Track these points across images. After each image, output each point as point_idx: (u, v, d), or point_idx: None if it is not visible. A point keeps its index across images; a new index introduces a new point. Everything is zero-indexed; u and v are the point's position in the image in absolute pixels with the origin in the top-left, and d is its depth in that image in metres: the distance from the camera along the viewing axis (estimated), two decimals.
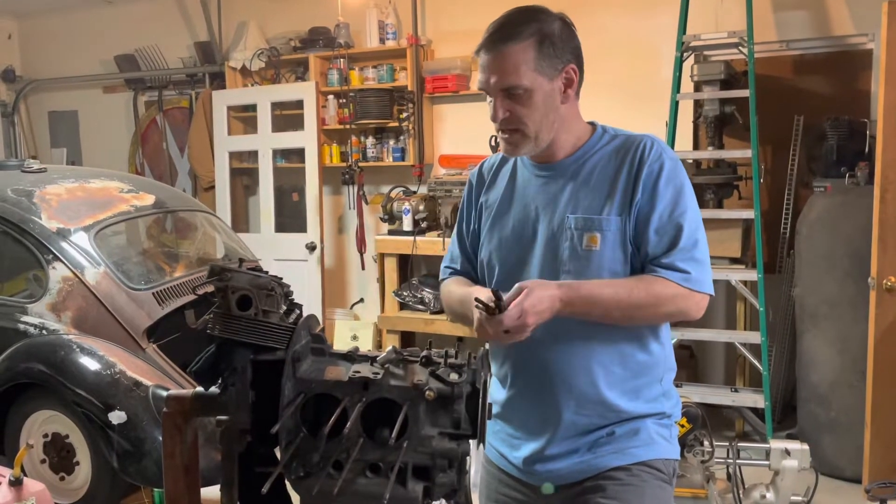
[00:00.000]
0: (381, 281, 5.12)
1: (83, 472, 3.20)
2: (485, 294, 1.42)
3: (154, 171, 6.51)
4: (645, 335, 1.58)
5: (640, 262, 1.54)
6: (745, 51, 3.97)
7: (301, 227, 5.48)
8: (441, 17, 5.25)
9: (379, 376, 1.24)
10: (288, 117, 5.55)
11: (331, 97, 5.45)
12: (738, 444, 3.14)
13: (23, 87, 6.94)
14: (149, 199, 3.79)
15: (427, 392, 1.22)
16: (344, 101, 5.39)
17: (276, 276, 1.38)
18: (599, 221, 1.53)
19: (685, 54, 4.15)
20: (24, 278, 3.54)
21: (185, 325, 3.51)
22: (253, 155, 5.75)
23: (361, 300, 5.75)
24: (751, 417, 4.20)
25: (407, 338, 5.08)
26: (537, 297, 1.41)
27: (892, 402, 3.46)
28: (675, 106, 4.10)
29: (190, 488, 1.36)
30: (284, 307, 1.36)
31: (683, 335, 4.05)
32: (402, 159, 5.31)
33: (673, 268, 1.50)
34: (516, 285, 1.44)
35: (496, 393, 1.67)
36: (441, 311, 4.79)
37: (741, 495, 3.06)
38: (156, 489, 3.14)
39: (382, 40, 5.30)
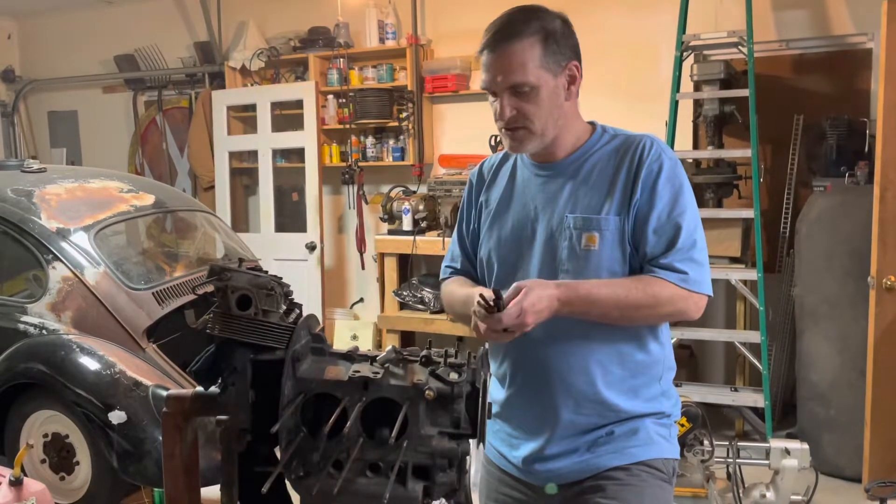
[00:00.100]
0: (381, 281, 5.12)
1: (83, 471, 3.20)
2: (488, 294, 1.42)
3: (154, 171, 6.51)
4: (644, 335, 1.58)
5: (639, 262, 1.54)
6: (744, 50, 3.97)
7: (301, 226, 5.48)
8: (441, 17, 5.25)
9: (379, 376, 1.25)
10: (288, 117, 5.55)
11: (330, 97, 5.45)
12: (738, 444, 3.14)
13: (22, 87, 6.94)
14: (148, 199, 3.79)
15: (427, 391, 1.22)
16: (344, 100, 5.39)
17: (275, 276, 1.38)
18: (598, 221, 1.53)
19: (685, 54, 4.15)
20: (23, 278, 3.54)
21: (185, 325, 3.53)
22: (253, 155, 5.75)
23: (361, 300, 5.75)
24: (751, 417, 4.20)
25: (407, 337, 5.08)
26: (536, 297, 1.41)
27: (891, 401, 3.47)
28: (674, 105, 4.10)
29: (190, 488, 1.36)
30: (284, 307, 1.37)
31: (683, 335, 4.05)
32: (402, 159, 5.31)
33: (671, 268, 1.50)
34: (514, 284, 1.44)
35: (495, 392, 1.67)
36: (441, 311, 4.80)
37: (741, 495, 3.07)
38: (156, 489, 3.14)
39: (382, 40, 5.30)
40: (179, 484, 1.35)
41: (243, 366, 1.28)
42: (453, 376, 1.24)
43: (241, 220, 5.96)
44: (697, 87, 4.29)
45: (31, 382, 3.16)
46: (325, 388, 1.25)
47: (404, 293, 4.97)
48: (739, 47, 4.05)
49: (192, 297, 3.41)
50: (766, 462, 3.08)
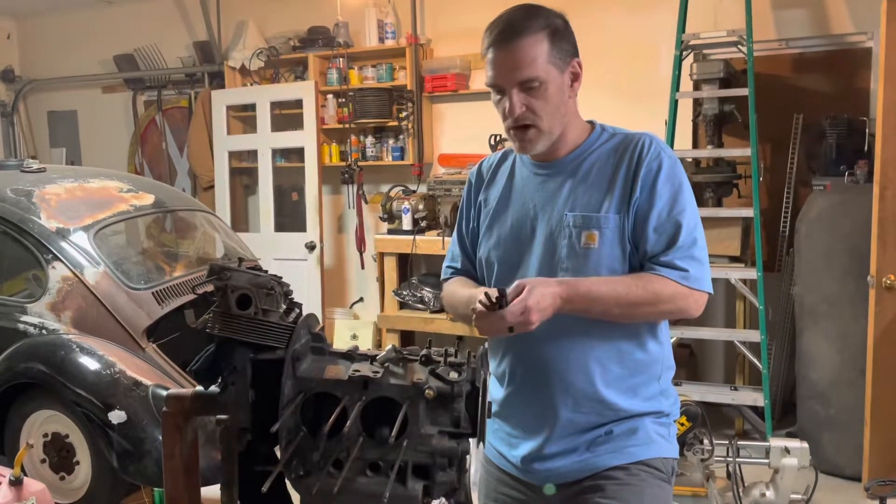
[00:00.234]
0: (381, 280, 5.11)
1: (83, 471, 3.20)
2: (491, 293, 1.42)
3: (153, 170, 6.51)
4: (643, 333, 1.58)
5: (639, 261, 1.54)
6: (744, 49, 3.97)
7: (300, 226, 5.48)
8: (440, 17, 5.25)
9: (379, 375, 1.25)
10: (287, 117, 5.55)
11: (330, 96, 5.45)
12: (738, 443, 3.14)
13: (22, 86, 6.94)
14: (148, 199, 3.79)
15: (427, 391, 1.22)
16: (343, 100, 5.39)
17: (275, 276, 1.38)
18: (598, 219, 1.53)
19: (684, 53, 4.15)
20: (23, 278, 3.54)
21: (185, 325, 3.53)
22: (252, 154, 5.75)
23: (361, 299, 5.75)
24: (750, 416, 4.20)
25: (406, 337, 5.08)
26: (540, 294, 1.41)
27: (891, 399, 3.47)
28: (674, 104, 4.10)
29: (190, 488, 1.36)
30: (284, 306, 1.37)
31: (683, 334, 4.05)
32: (402, 158, 5.31)
33: (672, 266, 1.50)
34: (516, 282, 1.44)
35: (494, 391, 1.67)
36: (441, 310, 4.80)
37: (741, 493, 3.07)
38: (156, 489, 3.14)
39: (382, 39, 5.29)
40: (179, 483, 1.35)
41: (243, 365, 1.28)
42: (453, 375, 1.24)
43: (241, 220, 5.97)
44: (697, 87, 4.29)
45: (30, 382, 3.16)
46: (324, 387, 1.25)
47: (404, 293, 4.97)
48: (739, 46, 4.05)
49: (191, 296, 3.41)
50: (766, 461, 3.09)
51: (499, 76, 1.52)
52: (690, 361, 4.58)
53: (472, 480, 1.81)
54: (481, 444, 1.28)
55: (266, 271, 1.37)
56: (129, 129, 6.59)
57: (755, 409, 4.12)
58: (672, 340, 1.73)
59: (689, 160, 4.28)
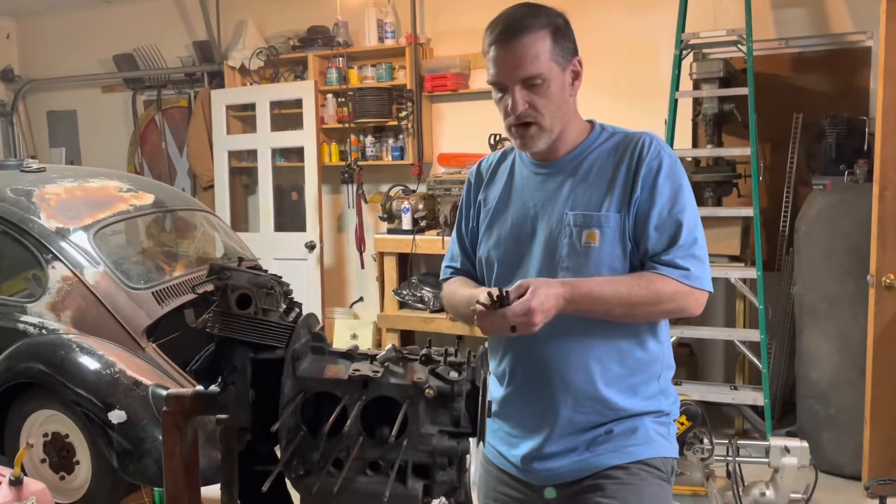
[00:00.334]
0: (381, 280, 5.11)
1: (83, 471, 3.20)
2: (494, 292, 1.42)
3: (153, 170, 6.51)
4: (643, 332, 1.58)
5: (640, 259, 1.55)
6: (743, 48, 3.97)
7: (300, 226, 5.48)
8: (440, 16, 5.25)
9: (378, 374, 1.24)
10: (287, 116, 5.55)
11: (330, 96, 5.45)
12: (738, 442, 3.15)
13: (21, 86, 6.94)
14: (148, 199, 3.79)
15: (427, 390, 1.22)
16: (343, 99, 5.39)
17: (275, 275, 1.38)
18: (598, 218, 1.54)
19: (684, 52, 4.15)
20: (23, 278, 3.54)
21: (185, 325, 3.53)
22: (252, 154, 5.75)
23: (361, 299, 5.75)
24: (750, 415, 4.20)
25: (406, 336, 5.08)
26: (544, 295, 1.41)
27: (891, 398, 3.47)
28: (674, 104, 4.10)
29: (190, 487, 1.36)
30: (284, 306, 1.37)
31: (683, 333, 4.05)
32: (402, 158, 5.31)
33: (673, 265, 1.50)
34: (519, 282, 1.44)
35: (494, 391, 1.67)
36: (440, 310, 4.79)
37: (741, 493, 3.07)
38: (156, 488, 3.14)
39: (381, 39, 5.29)
40: (179, 483, 1.35)
41: (243, 365, 1.28)
42: (453, 375, 1.24)
43: (241, 220, 5.96)
44: (697, 86, 4.29)
45: (30, 382, 3.16)
46: (324, 386, 1.25)
47: (404, 292, 4.97)
48: (738, 46, 4.05)
49: (191, 296, 3.41)
50: (766, 460, 3.09)
51: (501, 73, 1.52)
52: (690, 361, 4.58)
53: (473, 480, 1.82)
54: (481, 443, 1.28)
55: (266, 271, 1.37)
56: (128, 129, 6.59)
57: (755, 408, 4.12)
58: (672, 340, 1.73)
59: (689, 159, 4.28)
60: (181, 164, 6.38)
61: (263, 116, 5.57)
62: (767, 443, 3.12)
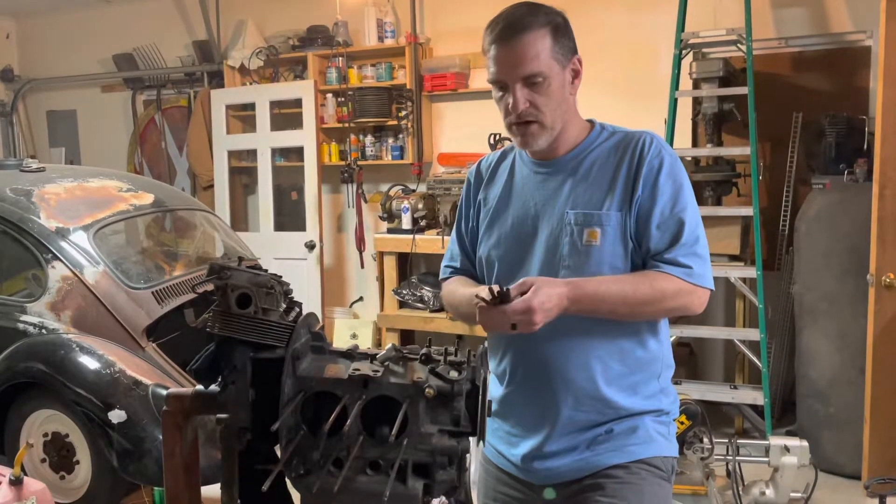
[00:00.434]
0: (381, 279, 5.11)
1: (83, 471, 3.20)
2: (494, 289, 1.42)
3: (153, 170, 6.51)
4: (643, 331, 1.58)
5: (641, 258, 1.55)
6: (743, 48, 3.97)
7: (300, 225, 5.48)
8: (439, 16, 5.25)
9: (379, 374, 1.24)
10: (287, 116, 5.55)
11: (329, 96, 5.45)
12: (738, 441, 3.14)
13: (21, 86, 6.94)
14: (148, 198, 3.79)
15: (427, 389, 1.22)
16: (343, 99, 5.39)
17: (275, 275, 1.38)
18: (599, 217, 1.54)
19: (684, 51, 4.15)
20: (23, 278, 3.54)
21: (185, 324, 3.53)
22: (252, 154, 5.75)
23: (361, 298, 5.75)
24: (750, 414, 4.20)
25: (406, 336, 5.08)
26: (546, 295, 1.41)
27: (891, 398, 3.47)
28: (673, 103, 4.10)
29: (190, 487, 1.36)
30: (284, 305, 1.36)
31: (683, 332, 4.05)
32: (401, 157, 5.31)
33: (676, 263, 1.51)
34: (521, 280, 1.44)
35: (494, 390, 1.67)
36: (440, 309, 4.79)
37: (741, 492, 3.07)
38: (156, 488, 3.14)
39: (381, 38, 5.29)
40: (180, 482, 1.35)
41: (243, 364, 1.28)
42: (453, 374, 1.24)
43: (241, 219, 5.96)
44: (696, 85, 4.29)
45: (30, 382, 3.16)
46: (325, 386, 1.25)
47: (404, 292, 4.97)
48: (738, 45, 4.05)
49: (191, 295, 3.41)
50: (766, 459, 3.09)
51: (502, 72, 1.52)
52: (690, 360, 4.58)
53: (473, 479, 1.82)
54: (481, 442, 1.28)
55: (266, 271, 1.37)
56: (128, 129, 6.59)
57: (755, 407, 4.12)
58: (672, 339, 1.74)
59: (689, 159, 4.28)
60: (181, 163, 6.38)
61: (263, 116, 5.56)
62: (767, 442, 3.12)
